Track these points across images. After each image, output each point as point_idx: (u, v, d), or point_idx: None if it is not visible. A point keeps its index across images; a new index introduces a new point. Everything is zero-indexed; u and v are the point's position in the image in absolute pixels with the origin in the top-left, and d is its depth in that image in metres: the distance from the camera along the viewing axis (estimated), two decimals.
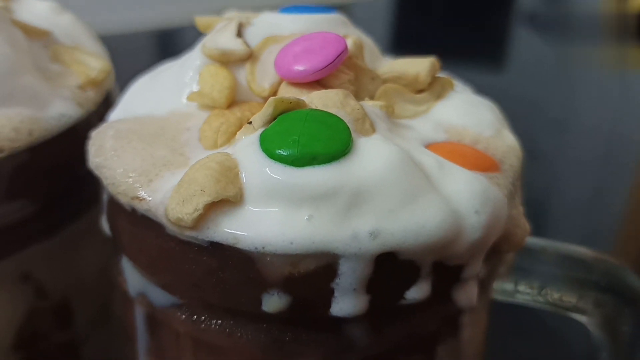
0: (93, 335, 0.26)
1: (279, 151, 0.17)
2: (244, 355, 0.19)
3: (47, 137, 0.21)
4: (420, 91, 0.22)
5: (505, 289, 0.22)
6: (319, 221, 0.16)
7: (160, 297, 0.19)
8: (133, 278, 0.20)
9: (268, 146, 0.17)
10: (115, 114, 0.21)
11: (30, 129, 0.21)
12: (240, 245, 0.17)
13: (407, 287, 0.18)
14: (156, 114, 0.21)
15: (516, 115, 0.25)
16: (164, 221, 0.17)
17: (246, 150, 0.17)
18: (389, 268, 0.17)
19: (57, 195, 0.23)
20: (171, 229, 0.17)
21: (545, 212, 0.43)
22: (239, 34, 0.22)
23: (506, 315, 0.23)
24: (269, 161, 0.17)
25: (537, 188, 0.43)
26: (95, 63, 0.24)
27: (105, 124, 0.21)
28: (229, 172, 0.17)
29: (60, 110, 0.22)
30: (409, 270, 0.18)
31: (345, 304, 0.17)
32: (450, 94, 0.22)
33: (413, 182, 0.17)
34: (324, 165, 0.17)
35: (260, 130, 0.18)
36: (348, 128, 0.17)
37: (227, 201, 0.17)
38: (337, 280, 0.17)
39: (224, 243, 0.17)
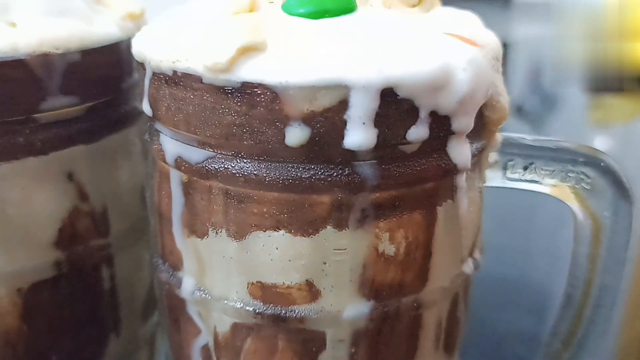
0: (126, 249, 0.28)
1: (298, 10, 0.21)
2: (268, 200, 0.22)
3: (95, 46, 0.25)
4: (412, 7, 0.26)
5: (494, 175, 0.25)
6: (333, 58, 0.20)
7: (195, 154, 0.22)
8: (170, 145, 0.23)
9: (288, 7, 0.21)
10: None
11: (82, 37, 0.25)
12: (267, 82, 0.20)
13: (408, 127, 0.21)
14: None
15: None
16: (201, 72, 0.21)
17: (270, 13, 0.21)
18: (392, 105, 0.20)
19: (102, 103, 0.26)
20: (208, 77, 0.21)
21: None
22: None
23: (496, 201, 0.26)
24: (289, 17, 0.21)
25: None
26: (132, 4, 0.28)
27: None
28: (257, 26, 0.21)
29: (106, 29, 0.26)
30: (409, 111, 0.21)
31: (356, 136, 0.20)
32: (437, 8, 0.26)
33: (411, 34, 0.21)
34: (334, 17, 0.20)
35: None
36: None
37: (255, 49, 0.20)
38: (348, 113, 0.20)
39: (253, 81, 0.20)
